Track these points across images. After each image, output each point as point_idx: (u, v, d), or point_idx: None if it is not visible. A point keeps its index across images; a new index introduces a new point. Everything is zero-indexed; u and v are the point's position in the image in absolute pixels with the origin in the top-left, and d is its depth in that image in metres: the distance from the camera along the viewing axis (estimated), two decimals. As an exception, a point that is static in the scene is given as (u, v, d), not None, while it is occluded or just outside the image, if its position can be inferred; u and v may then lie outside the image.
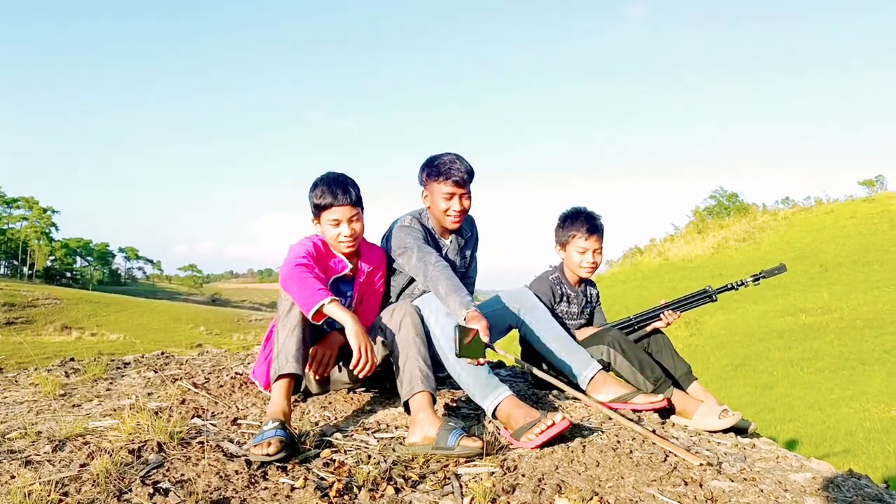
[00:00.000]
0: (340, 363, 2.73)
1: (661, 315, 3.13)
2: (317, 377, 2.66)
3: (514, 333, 3.10)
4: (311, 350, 2.52)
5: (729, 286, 3.18)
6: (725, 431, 2.68)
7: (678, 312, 3.14)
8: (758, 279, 3.16)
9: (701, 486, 1.95)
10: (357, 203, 2.60)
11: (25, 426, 2.21)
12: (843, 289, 16.86)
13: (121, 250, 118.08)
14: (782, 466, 2.28)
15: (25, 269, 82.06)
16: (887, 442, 7.21)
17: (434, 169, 2.82)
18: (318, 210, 2.59)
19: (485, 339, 2.32)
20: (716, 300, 3.15)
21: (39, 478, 1.76)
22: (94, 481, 1.74)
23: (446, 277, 2.56)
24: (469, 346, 2.28)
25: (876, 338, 12.09)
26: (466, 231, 3.04)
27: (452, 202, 2.81)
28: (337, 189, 2.55)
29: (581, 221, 3.18)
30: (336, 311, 2.28)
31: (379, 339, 2.45)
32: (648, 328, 3.16)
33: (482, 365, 2.36)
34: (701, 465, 2.10)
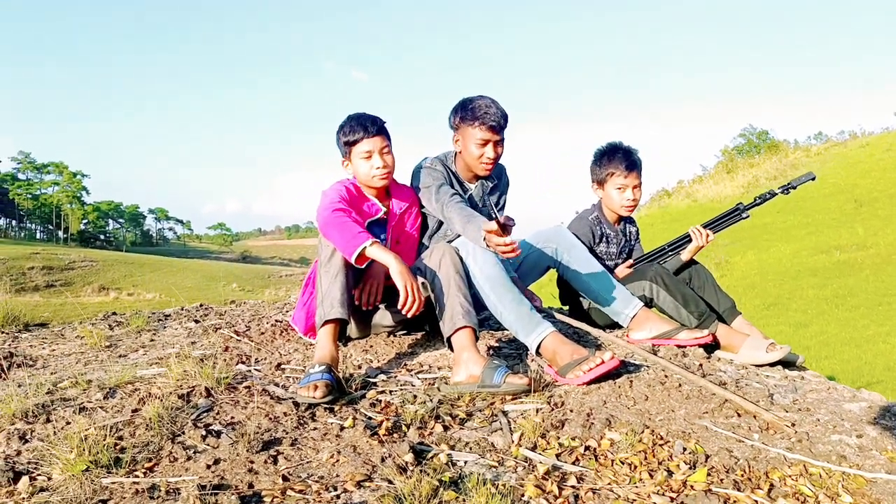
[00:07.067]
0: (383, 305, 2.72)
1: (692, 233, 2.99)
2: (368, 307, 2.61)
3: (552, 274, 3.06)
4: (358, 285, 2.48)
5: (758, 200, 3.01)
6: (772, 365, 2.63)
7: (710, 231, 2.99)
8: (787, 189, 2.98)
9: (755, 417, 1.91)
10: (387, 135, 2.62)
11: (76, 376, 2.25)
12: (879, 224, 16.39)
13: (151, 211, 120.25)
14: (834, 397, 2.24)
15: (60, 233, 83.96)
16: (927, 376, 7.10)
17: (468, 112, 2.70)
18: (349, 146, 2.60)
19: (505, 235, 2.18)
20: (748, 216, 3.01)
21: (94, 423, 1.79)
22: (147, 425, 1.76)
23: (459, 210, 2.51)
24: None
25: (914, 272, 11.80)
26: (493, 178, 2.95)
27: (486, 149, 2.72)
28: (366, 121, 2.58)
29: (619, 158, 3.06)
30: (379, 252, 2.25)
31: (420, 279, 2.42)
32: (684, 256, 3.04)
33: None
34: (793, 424, 1.89)
